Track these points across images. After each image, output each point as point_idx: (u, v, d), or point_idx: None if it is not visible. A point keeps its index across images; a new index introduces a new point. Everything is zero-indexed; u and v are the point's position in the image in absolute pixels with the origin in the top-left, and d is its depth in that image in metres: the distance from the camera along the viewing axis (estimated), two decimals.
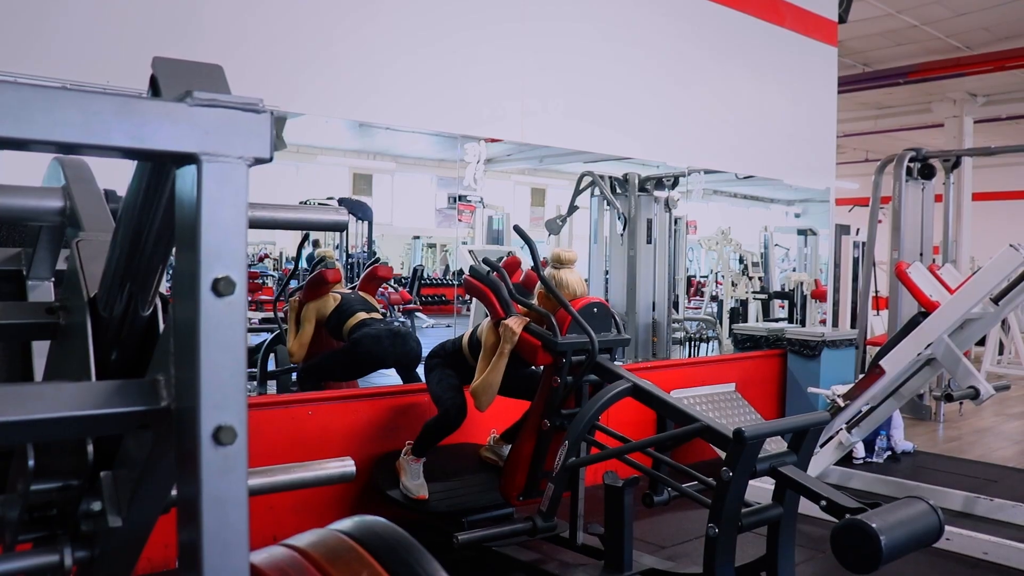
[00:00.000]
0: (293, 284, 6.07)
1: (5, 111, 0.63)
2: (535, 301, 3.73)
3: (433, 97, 5.07)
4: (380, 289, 6.09)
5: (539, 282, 3.71)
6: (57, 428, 0.82)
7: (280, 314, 5.45)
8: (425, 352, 4.42)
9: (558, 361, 3.58)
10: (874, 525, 2.43)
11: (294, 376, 5.46)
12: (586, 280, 6.65)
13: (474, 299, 6.29)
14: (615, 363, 3.69)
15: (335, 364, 4.75)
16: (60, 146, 0.67)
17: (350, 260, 9.17)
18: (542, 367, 3.73)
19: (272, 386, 5.68)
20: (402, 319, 8.42)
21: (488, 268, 3.79)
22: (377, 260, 6.26)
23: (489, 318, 3.78)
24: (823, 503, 2.76)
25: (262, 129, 0.72)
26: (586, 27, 5.90)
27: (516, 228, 3.79)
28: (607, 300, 5.72)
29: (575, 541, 3.67)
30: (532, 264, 3.73)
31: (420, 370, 4.95)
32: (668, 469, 3.35)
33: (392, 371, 4.95)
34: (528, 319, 3.67)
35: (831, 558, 2.70)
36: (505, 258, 5.33)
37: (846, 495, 2.80)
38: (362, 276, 5.53)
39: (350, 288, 5.35)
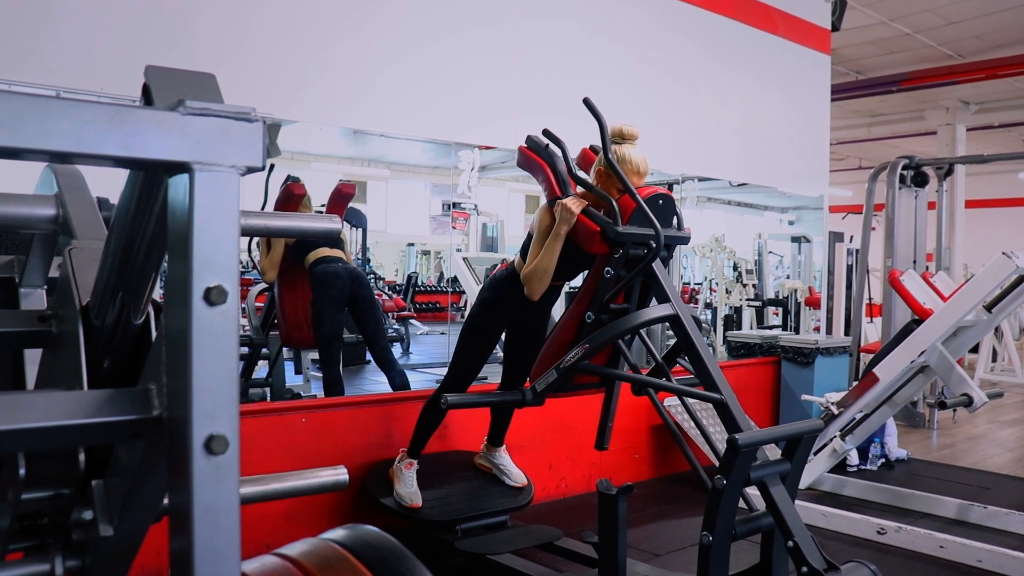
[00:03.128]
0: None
1: None
2: (593, 181, 3.37)
3: (427, 105, 5.07)
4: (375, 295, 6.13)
5: (597, 160, 3.35)
6: (48, 437, 0.82)
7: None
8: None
9: (615, 251, 3.20)
10: None
11: (287, 382, 5.48)
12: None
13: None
14: (667, 276, 3.28)
15: (321, 317, 4.90)
16: (53, 155, 0.67)
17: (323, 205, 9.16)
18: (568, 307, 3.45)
19: (268, 393, 5.68)
20: (396, 327, 8.46)
21: (547, 140, 3.44)
22: (342, 180, 6.35)
23: (543, 201, 3.45)
24: (790, 544, 2.76)
25: (254, 138, 0.73)
26: (579, 36, 5.91)
27: (585, 100, 3.31)
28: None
29: (603, 444, 3.48)
30: (601, 142, 3.29)
31: (414, 374, 4.98)
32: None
33: (384, 380, 4.98)
34: (586, 202, 3.30)
35: None
36: (499, 264, 5.35)
37: (816, 545, 2.79)
38: (329, 197, 5.57)
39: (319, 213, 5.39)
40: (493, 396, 3.38)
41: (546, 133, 3.47)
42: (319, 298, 4.88)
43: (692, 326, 3.12)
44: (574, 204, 3.27)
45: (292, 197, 5.04)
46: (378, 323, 5.07)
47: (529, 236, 3.54)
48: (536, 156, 3.46)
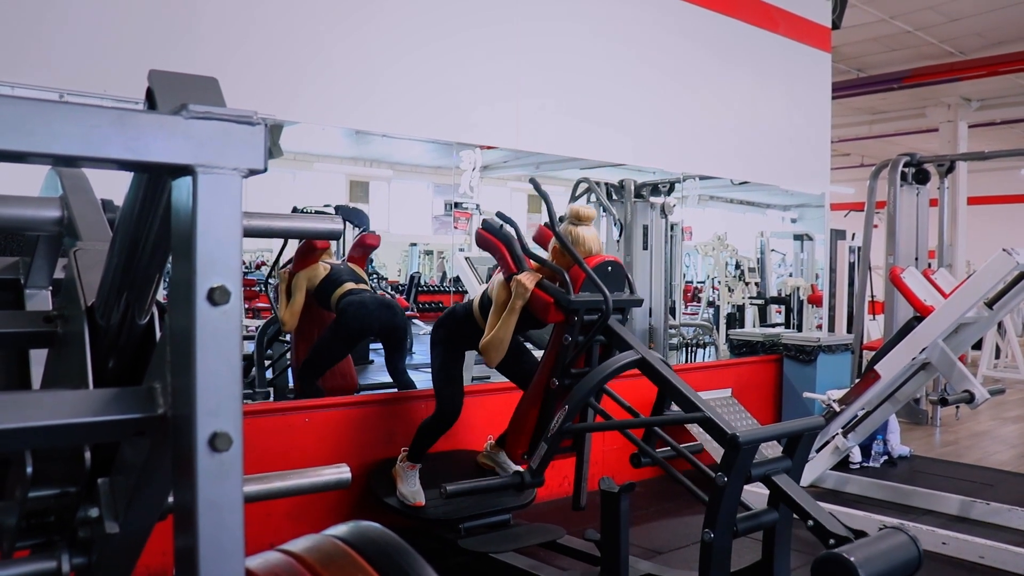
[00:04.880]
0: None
1: (5, 125, 0.64)
2: (548, 257, 3.62)
3: (428, 105, 5.08)
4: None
5: (553, 238, 3.59)
6: (55, 435, 0.83)
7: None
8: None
9: (570, 319, 3.45)
10: (853, 559, 2.47)
11: (291, 382, 5.48)
12: None
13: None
14: (626, 329, 3.56)
15: (326, 344, 4.78)
16: (59, 159, 0.68)
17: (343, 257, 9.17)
18: (544, 352, 3.66)
19: (271, 393, 5.69)
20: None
21: (501, 222, 3.67)
22: (365, 230, 6.28)
23: (500, 275, 3.66)
24: (811, 523, 2.78)
25: (256, 141, 0.74)
26: (581, 35, 5.92)
27: (531, 180, 3.67)
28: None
29: (579, 504, 3.60)
30: (548, 220, 3.58)
31: (415, 381, 4.98)
32: (659, 442, 3.33)
33: (390, 380, 4.97)
34: (541, 275, 3.56)
35: None
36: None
37: (835, 518, 2.81)
38: (351, 245, 5.53)
39: (340, 260, 5.36)
40: (493, 483, 3.54)
41: (499, 215, 3.72)
42: (334, 325, 4.73)
43: (659, 363, 3.32)
44: (528, 279, 3.52)
45: (313, 250, 5.00)
46: (404, 355, 4.94)
47: (486, 296, 3.76)
48: (492, 237, 3.69)
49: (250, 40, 4.40)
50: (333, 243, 5.12)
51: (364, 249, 5.42)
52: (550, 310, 3.47)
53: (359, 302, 4.69)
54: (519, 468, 3.62)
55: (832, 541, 2.70)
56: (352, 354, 5.14)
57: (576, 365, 3.54)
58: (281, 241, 5.51)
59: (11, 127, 0.65)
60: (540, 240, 3.92)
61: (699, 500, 2.99)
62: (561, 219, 3.64)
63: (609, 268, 3.55)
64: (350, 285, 4.85)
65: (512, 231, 3.65)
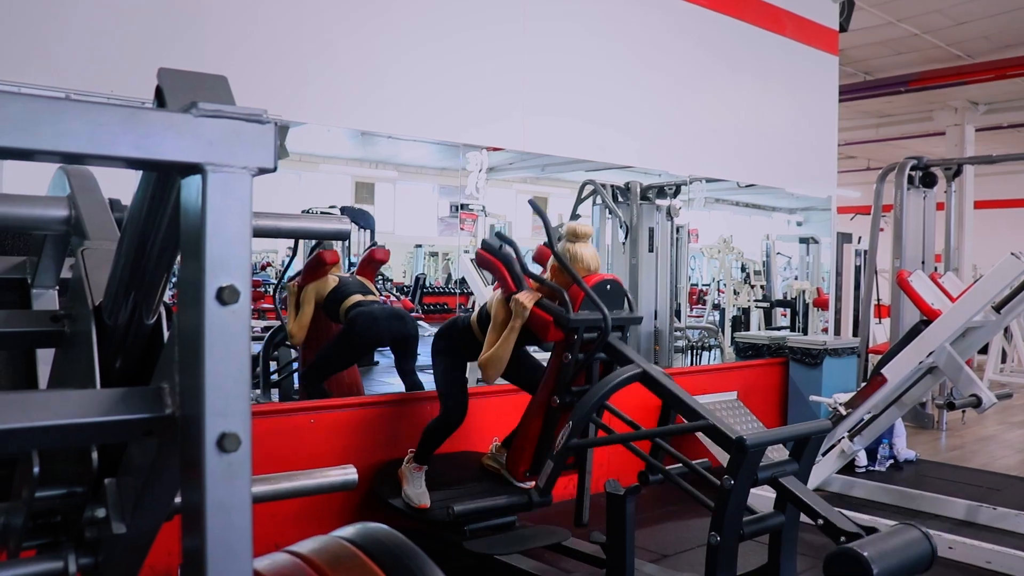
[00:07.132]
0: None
1: (13, 122, 0.64)
2: (548, 276, 3.65)
3: (435, 106, 5.08)
4: (383, 298, 6.09)
5: (552, 256, 3.62)
6: (62, 435, 0.82)
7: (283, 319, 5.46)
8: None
9: (569, 337, 3.48)
10: (866, 554, 2.46)
11: (296, 383, 5.48)
12: None
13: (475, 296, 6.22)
14: (626, 344, 3.60)
15: (333, 352, 4.78)
16: (67, 156, 0.67)
17: (352, 269, 9.18)
18: (550, 356, 3.68)
19: (275, 395, 5.69)
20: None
21: (500, 242, 3.72)
22: (375, 244, 6.25)
23: (500, 292, 3.70)
24: (820, 522, 2.77)
25: (266, 139, 0.73)
26: (586, 37, 5.91)
27: (531, 202, 3.74)
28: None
29: (581, 520, 3.61)
30: (546, 239, 3.64)
31: (422, 381, 4.98)
32: (667, 457, 3.34)
33: (397, 382, 4.96)
34: (540, 294, 3.58)
35: None
36: None
37: (844, 515, 2.80)
38: (360, 260, 5.54)
39: (348, 272, 5.36)
40: (500, 501, 3.61)
41: (498, 235, 3.78)
42: (343, 334, 4.71)
43: (660, 374, 3.38)
44: (527, 298, 3.54)
45: (323, 264, 5.01)
46: (414, 358, 4.90)
47: (484, 311, 3.79)
48: (492, 257, 3.71)
49: (258, 40, 4.40)
50: (338, 244, 5.10)
51: (373, 264, 5.43)
52: (549, 329, 3.51)
53: (368, 313, 4.67)
54: (522, 485, 3.72)
55: (843, 539, 2.69)
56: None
57: (576, 383, 3.57)
58: (289, 252, 5.51)
59: (20, 125, 0.64)
60: (539, 259, 3.97)
61: (708, 508, 2.98)
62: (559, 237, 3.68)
63: (608, 286, 3.59)
64: (358, 296, 4.84)
65: (511, 251, 3.68)
